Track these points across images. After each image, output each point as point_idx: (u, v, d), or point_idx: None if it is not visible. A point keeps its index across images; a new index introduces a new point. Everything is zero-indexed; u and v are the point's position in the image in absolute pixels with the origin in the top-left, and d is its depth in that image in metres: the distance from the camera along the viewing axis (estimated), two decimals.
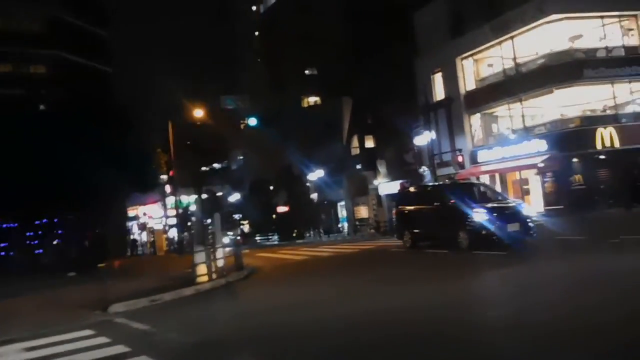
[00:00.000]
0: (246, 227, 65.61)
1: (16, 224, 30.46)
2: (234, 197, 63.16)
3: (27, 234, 30.81)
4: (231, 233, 60.34)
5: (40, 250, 29.61)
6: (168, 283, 13.83)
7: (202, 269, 14.34)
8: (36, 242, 30.63)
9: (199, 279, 14.03)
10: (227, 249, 18.42)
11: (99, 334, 8.31)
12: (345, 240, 32.24)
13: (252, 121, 23.08)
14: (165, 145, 24.80)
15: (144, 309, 10.79)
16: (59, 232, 30.55)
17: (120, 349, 7.05)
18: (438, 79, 32.79)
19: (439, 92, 32.66)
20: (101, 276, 16.46)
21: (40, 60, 24.69)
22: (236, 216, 65.12)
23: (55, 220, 29.48)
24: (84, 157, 23.39)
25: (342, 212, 45.30)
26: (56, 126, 23.69)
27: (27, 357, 7.34)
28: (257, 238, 57.08)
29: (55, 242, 29.60)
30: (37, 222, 30.62)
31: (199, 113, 23.28)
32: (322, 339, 6.65)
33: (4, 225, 30.47)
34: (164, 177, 30.87)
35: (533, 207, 25.24)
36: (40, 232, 30.80)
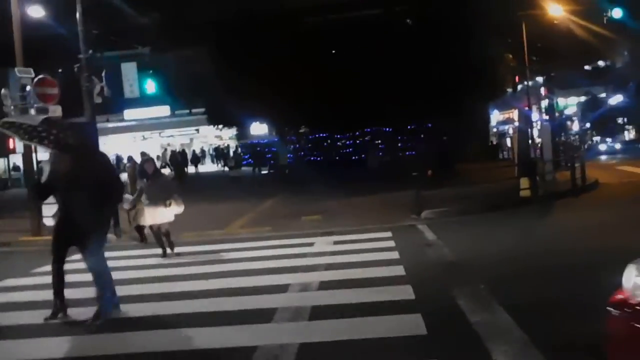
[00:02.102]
0: (631, 134, 57.73)
1: (390, 129, 34.87)
2: (617, 100, 55.96)
3: (398, 137, 34.99)
4: (609, 140, 54.43)
5: (409, 153, 33.20)
6: (490, 194, 13.85)
7: (525, 183, 13.91)
8: (402, 145, 34.60)
9: (521, 193, 13.69)
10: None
11: (392, 238, 9.33)
12: None
13: (617, 13, 19.61)
14: (514, 50, 23.70)
15: (448, 219, 11.35)
16: (421, 136, 33.48)
17: (392, 255, 7.88)
18: None
19: None
20: (440, 181, 17.58)
21: None
22: (620, 120, 57.89)
23: (412, 126, 32.45)
24: (440, 68, 24.52)
25: None
26: (416, 41, 25.26)
27: (332, 248, 8.91)
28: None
29: (419, 146, 32.56)
30: (406, 128, 34.34)
31: (553, 10, 21.27)
32: None
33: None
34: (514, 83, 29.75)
35: None
36: (405, 138, 34.53)
